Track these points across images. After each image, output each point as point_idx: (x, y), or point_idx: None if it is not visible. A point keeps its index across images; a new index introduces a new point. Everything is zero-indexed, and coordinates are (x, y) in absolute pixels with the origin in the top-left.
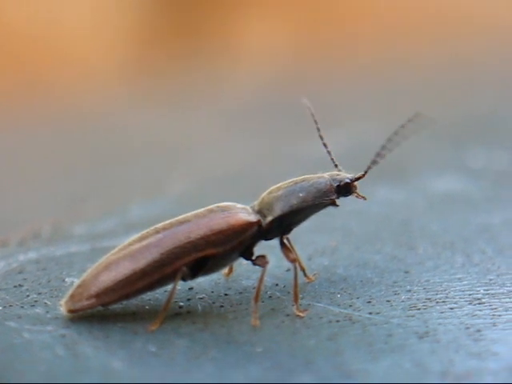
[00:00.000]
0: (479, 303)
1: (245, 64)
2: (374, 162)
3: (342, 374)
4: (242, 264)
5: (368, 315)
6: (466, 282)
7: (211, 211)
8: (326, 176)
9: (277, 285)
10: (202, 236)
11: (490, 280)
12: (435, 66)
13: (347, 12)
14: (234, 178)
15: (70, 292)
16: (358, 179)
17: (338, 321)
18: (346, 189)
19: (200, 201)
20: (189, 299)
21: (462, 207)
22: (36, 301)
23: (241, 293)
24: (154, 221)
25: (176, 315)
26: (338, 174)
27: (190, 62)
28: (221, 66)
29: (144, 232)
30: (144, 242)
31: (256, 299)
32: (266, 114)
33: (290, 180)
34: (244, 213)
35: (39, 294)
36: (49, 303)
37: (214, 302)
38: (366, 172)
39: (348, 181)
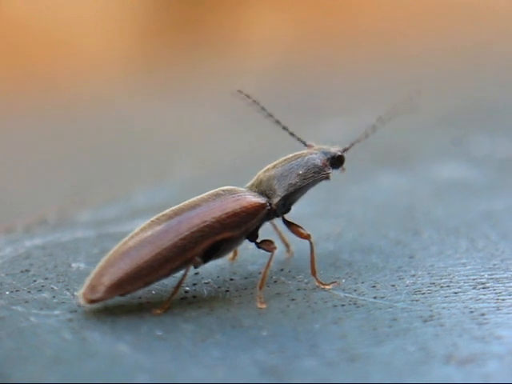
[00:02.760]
0: (483, 288)
1: (250, 55)
2: (360, 140)
3: (346, 357)
4: (247, 249)
5: (373, 299)
6: (470, 267)
7: (219, 195)
8: (315, 151)
9: (282, 270)
10: (217, 219)
11: (494, 265)
12: (439, 54)
13: (353, 3)
14: (236, 165)
15: (87, 282)
16: (345, 150)
17: (342, 305)
18: (339, 161)
19: (204, 187)
20: (194, 284)
21: (465, 194)
22: (43, 286)
23: (246, 278)
24: (158, 207)
25: (182, 300)
26: (325, 148)
27: (194, 53)
28: (226, 56)
29: (154, 218)
30: (160, 228)
31: (261, 284)
32: (271, 104)
33: (282, 158)
34: (251, 195)
35: (46, 279)
36: (55, 288)
37: (219, 287)
38: (352, 144)
39: (340, 153)
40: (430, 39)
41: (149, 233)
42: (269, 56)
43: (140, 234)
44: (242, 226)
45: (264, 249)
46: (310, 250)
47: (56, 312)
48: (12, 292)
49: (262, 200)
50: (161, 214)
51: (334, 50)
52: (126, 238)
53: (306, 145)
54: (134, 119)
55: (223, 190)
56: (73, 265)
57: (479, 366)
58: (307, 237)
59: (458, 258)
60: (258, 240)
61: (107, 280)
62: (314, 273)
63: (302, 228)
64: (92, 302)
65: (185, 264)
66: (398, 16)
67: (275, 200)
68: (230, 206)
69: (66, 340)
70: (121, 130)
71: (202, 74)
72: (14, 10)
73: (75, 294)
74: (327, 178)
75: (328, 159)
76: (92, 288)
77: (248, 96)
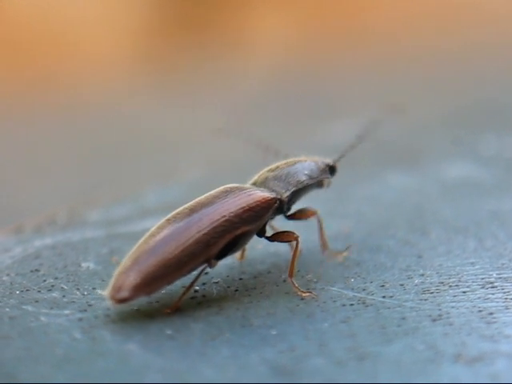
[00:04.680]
0: (492, 287)
1: (254, 55)
2: (347, 151)
3: (355, 356)
4: (256, 248)
5: (381, 299)
6: (478, 267)
7: (229, 191)
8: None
9: None
10: (235, 214)
11: (503, 264)
12: (446, 54)
13: (356, 4)
14: (242, 165)
15: (113, 283)
16: (335, 162)
17: (351, 304)
18: (333, 170)
19: (211, 186)
20: (204, 283)
21: (474, 193)
22: (53, 285)
23: (255, 277)
24: (167, 206)
25: (192, 299)
26: (318, 159)
27: (199, 54)
28: (231, 57)
29: (170, 216)
30: (181, 225)
31: (291, 273)
32: (275, 105)
33: (283, 161)
34: (260, 190)
35: (56, 278)
36: (65, 287)
37: (228, 286)
38: (341, 157)
39: (335, 163)
40: (435, 42)
41: (170, 230)
42: (273, 57)
43: (160, 231)
44: (257, 220)
45: (285, 241)
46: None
47: (66, 311)
48: (22, 292)
49: (272, 195)
50: (175, 213)
51: (338, 51)
52: (146, 237)
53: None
54: (140, 119)
55: (230, 187)
56: (82, 264)
57: (488, 365)
58: (313, 213)
59: (467, 257)
60: (268, 234)
61: (134, 279)
62: (325, 246)
63: (307, 209)
64: (120, 301)
65: (206, 261)
66: (401, 16)
67: (285, 194)
68: (245, 200)
69: (75, 339)
70: (127, 130)
71: (206, 75)
72: (16, 9)
73: (101, 293)
74: (327, 183)
75: (326, 165)
76: (118, 288)
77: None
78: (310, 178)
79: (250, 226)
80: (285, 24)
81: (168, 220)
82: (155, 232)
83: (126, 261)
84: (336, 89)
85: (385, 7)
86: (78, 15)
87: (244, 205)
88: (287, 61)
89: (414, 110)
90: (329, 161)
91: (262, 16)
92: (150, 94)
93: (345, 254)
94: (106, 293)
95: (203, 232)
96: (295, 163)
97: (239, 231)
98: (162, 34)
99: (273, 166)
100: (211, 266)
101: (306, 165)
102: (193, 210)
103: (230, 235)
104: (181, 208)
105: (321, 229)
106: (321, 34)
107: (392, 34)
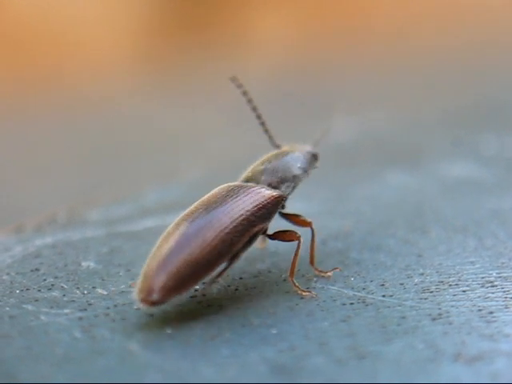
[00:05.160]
0: (491, 286)
1: (255, 56)
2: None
3: (355, 355)
4: (256, 248)
5: (381, 298)
6: (478, 266)
7: (235, 190)
8: (295, 149)
9: None
10: (251, 212)
11: (503, 263)
12: (447, 53)
13: (356, 3)
14: (243, 164)
15: (141, 285)
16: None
17: (351, 303)
18: (317, 158)
19: (212, 186)
20: (203, 282)
21: (474, 192)
22: (53, 284)
23: (255, 276)
24: (167, 206)
25: (191, 298)
26: (298, 147)
27: (200, 54)
28: (231, 57)
29: (185, 215)
30: (201, 224)
31: (291, 274)
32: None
33: (269, 154)
34: (264, 188)
35: (56, 277)
36: (65, 287)
37: (229, 286)
38: (317, 142)
39: (317, 151)
40: (437, 40)
41: (192, 230)
42: (273, 57)
43: (180, 231)
44: (269, 217)
45: (287, 240)
46: (311, 237)
47: (66, 310)
48: (22, 291)
49: (277, 192)
50: (189, 211)
51: (338, 51)
52: (166, 236)
53: (276, 145)
54: (140, 119)
55: (233, 186)
56: (83, 264)
57: (487, 364)
58: (309, 224)
59: (467, 256)
60: (270, 232)
61: (165, 281)
62: (312, 262)
63: (302, 216)
64: (153, 304)
65: (229, 260)
66: (402, 16)
67: (287, 191)
68: (257, 198)
69: (76, 338)
70: (127, 129)
71: (206, 75)
72: (17, 9)
73: (133, 289)
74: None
75: (312, 155)
76: (150, 291)
77: (240, 85)
78: (304, 171)
79: (263, 223)
80: (285, 24)
81: (185, 219)
82: (175, 231)
83: (151, 261)
84: (336, 88)
85: (385, 7)
86: (78, 15)
87: (257, 203)
88: (287, 61)
89: (415, 109)
90: (310, 149)
91: (262, 16)
92: (150, 94)
93: (330, 274)
94: (135, 295)
95: (226, 231)
96: (284, 156)
97: (256, 229)
98: (162, 34)
99: (261, 160)
100: (232, 264)
101: (295, 157)
102: (209, 209)
103: (248, 233)
104: (193, 207)
105: (312, 241)
106: (321, 34)
107: (393, 33)
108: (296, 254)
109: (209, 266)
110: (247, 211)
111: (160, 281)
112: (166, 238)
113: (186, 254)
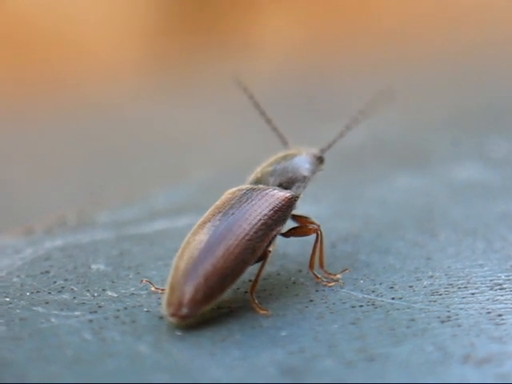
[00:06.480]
0: (500, 289)
1: (261, 57)
2: (335, 141)
3: (365, 357)
4: None
5: (391, 300)
6: (487, 268)
7: (248, 193)
8: (302, 151)
9: (300, 271)
10: (269, 216)
11: (511, 266)
12: (455, 55)
13: (363, 4)
14: (250, 165)
15: (170, 297)
16: (323, 152)
17: (361, 306)
18: (323, 161)
19: (220, 188)
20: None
21: (482, 195)
22: (63, 287)
23: (265, 279)
24: (176, 208)
25: None
26: (304, 150)
27: (205, 56)
28: (237, 59)
29: (202, 222)
30: (221, 232)
31: (312, 266)
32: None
33: (277, 156)
34: (277, 190)
35: (66, 280)
36: (75, 289)
37: (238, 288)
38: (329, 146)
39: (323, 154)
40: (444, 42)
41: (213, 238)
42: (279, 58)
43: (200, 240)
44: (285, 219)
45: (306, 234)
46: (314, 240)
47: (76, 313)
48: (32, 293)
49: (290, 193)
50: (206, 218)
51: (344, 52)
52: (185, 244)
53: (286, 143)
54: (147, 120)
55: (244, 189)
56: (92, 266)
57: (496, 366)
58: (316, 230)
59: (475, 259)
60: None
61: (193, 294)
62: (311, 265)
63: (310, 218)
64: (183, 318)
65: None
66: (409, 16)
67: (299, 191)
68: (271, 201)
69: (86, 340)
70: (135, 131)
71: (212, 76)
72: (19, 9)
73: (165, 314)
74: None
75: (318, 158)
76: (179, 305)
77: (243, 85)
78: (312, 172)
79: (280, 226)
80: (291, 25)
81: (203, 227)
82: (196, 241)
83: (175, 273)
84: (343, 88)
85: (392, 8)
86: (81, 16)
87: (273, 205)
88: (294, 62)
89: (423, 111)
90: (317, 152)
91: (268, 17)
92: (157, 95)
93: (339, 276)
94: (164, 310)
95: (247, 238)
96: (292, 157)
97: (274, 232)
98: (168, 35)
99: (269, 161)
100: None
101: (303, 158)
102: (226, 216)
103: (268, 237)
104: (209, 214)
105: (316, 242)
106: (327, 36)
107: (401, 34)
108: (317, 246)
109: (234, 275)
110: (265, 215)
111: (189, 294)
112: (188, 248)
113: (210, 265)
